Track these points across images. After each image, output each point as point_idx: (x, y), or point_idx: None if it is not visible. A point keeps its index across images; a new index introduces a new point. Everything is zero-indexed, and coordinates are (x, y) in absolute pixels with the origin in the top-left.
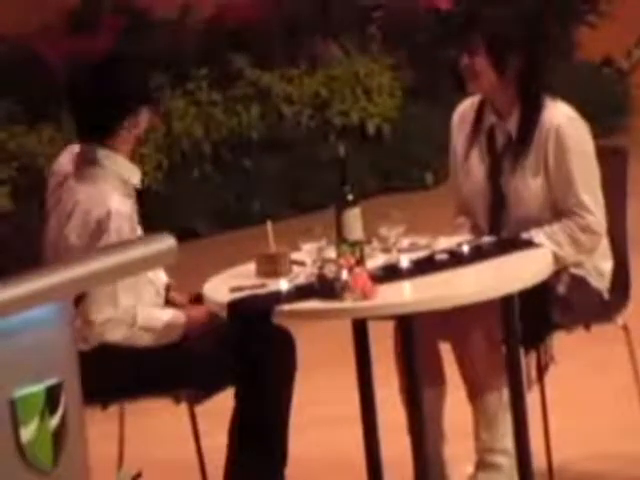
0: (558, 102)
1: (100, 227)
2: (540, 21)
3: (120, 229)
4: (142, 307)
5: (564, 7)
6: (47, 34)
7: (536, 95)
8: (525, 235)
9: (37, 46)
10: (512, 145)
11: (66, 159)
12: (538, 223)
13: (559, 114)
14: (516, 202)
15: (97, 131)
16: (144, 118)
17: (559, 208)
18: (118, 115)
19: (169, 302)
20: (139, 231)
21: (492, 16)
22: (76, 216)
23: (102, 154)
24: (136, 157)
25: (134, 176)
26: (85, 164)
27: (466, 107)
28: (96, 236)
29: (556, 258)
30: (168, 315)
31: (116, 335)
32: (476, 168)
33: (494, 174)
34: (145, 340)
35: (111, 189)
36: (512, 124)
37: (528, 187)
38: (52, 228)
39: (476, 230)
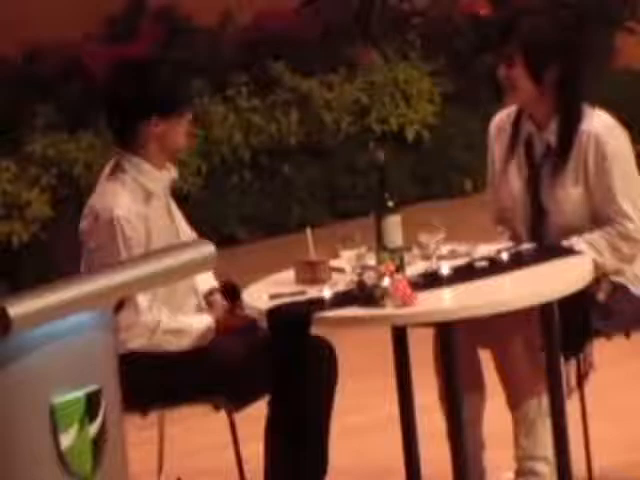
0: (597, 110)
1: (106, 231)
2: (577, 30)
3: (125, 234)
4: (167, 311)
5: (603, 13)
6: (87, 42)
7: (575, 104)
8: (565, 243)
9: (77, 54)
10: (551, 155)
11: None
12: (578, 231)
13: (598, 123)
14: (555, 211)
15: (122, 135)
16: (171, 125)
17: (599, 216)
18: (137, 120)
19: (209, 304)
20: (169, 235)
21: (529, 25)
22: (87, 219)
23: (126, 159)
24: (173, 164)
25: (155, 183)
26: (110, 169)
27: (503, 117)
28: (104, 239)
29: (596, 265)
30: (196, 320)
31: (139, 341)
32: (515, 178)
33: (533, 184)
34: (173, 344)
35: (123, 194)
36: (551, 134)
37: (568, 196)
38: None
39: (516, 239)
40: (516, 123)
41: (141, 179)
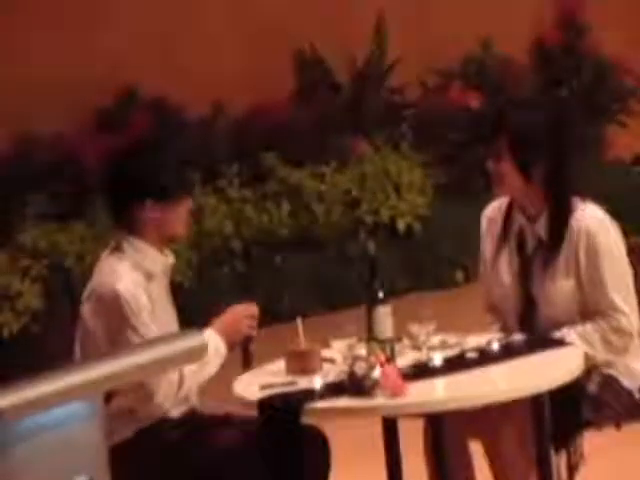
0: (587, 203)
1: (111, 310)
2: (566, 124)
3: (132, 307)
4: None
5: (595, 106)
6: (79, 133)
7: (564, 198)
8: (557, 334)
9: (69, 144)
10: (542, 248)
11: None
12: (568, 323)
13: (589, 216)
14: (546, 303)
15: (120, 217)
16: (167, 211)
17: (591, 309)
18: (133, 202)
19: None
20: (166, 318)
21: (517, 120)
22: (90, 299)
23: (125, 240)
24: (168, 249)
25: (154, 264)
26: (110, 249)
27: (494, 208)
28: (109, 318)
29: (587, 357)
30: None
31: (174, 399)
32: (505, 270)
33: (524, 276)
34: (205, 376)
35: (123, 273)
36: (541, 227)
37: (559, 289)
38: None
39: (506, 330)
40: (507, 215)
41: (141, 260)
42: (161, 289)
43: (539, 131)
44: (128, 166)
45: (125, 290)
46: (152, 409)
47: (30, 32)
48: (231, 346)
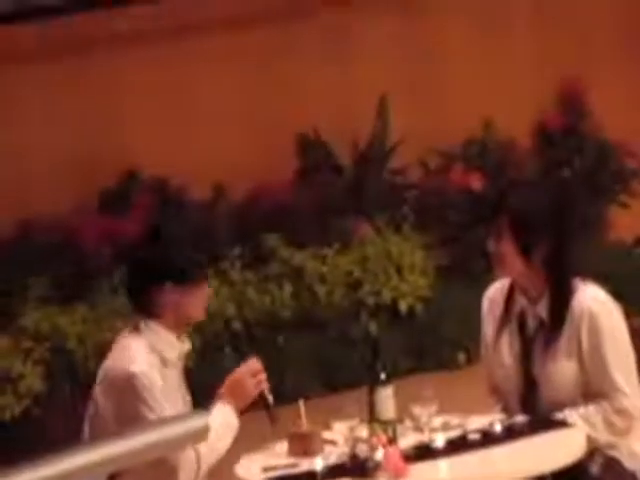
0: (589, 285)
1: (124, 391)
2: (567, 205)
3: (147, 389)
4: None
5: (596, 187)
6: (80, 214)
7: (566, 279)
8: (559, 415)
9: (70, 226)
10: (544, 329)
11: None
12: (570, 404)
13: (590, 298)
14: (547, 385)
15: (139, 299)
16: (185, 294)
17: (593, 390)
18: (152, 284)
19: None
20: (180, 406)
21: (518, 202)
22: (103, 380)
23: (144, 323)
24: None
25: (170, 350)
26: (128, 331)
27: (496, 290)
28: (121, 399)
29: (590, 439)
30: (217, 420)
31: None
32: (507, 352)
33: (525, 357)
34: (221, 450)
35: (138, 354)
36: (542, 308)
37: (560, 370)
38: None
39: (508, 411)
40: (509, 297)
41: (157, 345)
42: (176, 374)
43: (540, 212)
44: (146, 250)
45: (139, 371)
46: None
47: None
48: (243, 409)
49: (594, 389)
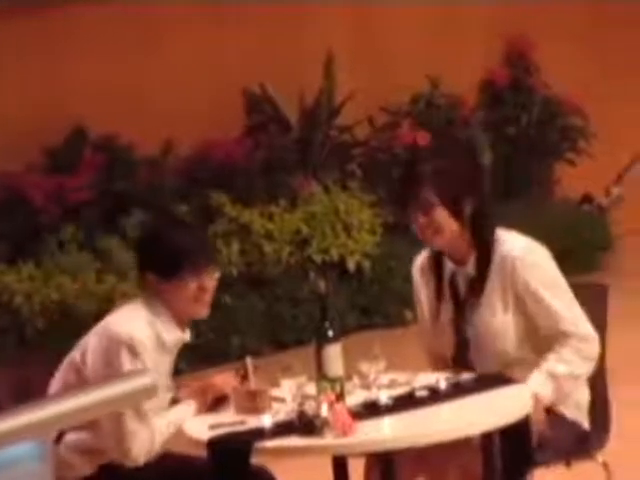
0: (512, 233)
1: (111, 350)
2: (476, 158)
3: (129, 359)
4: (155, 419)
5: (544, 145)
6: (28, 173)
7: (490, 231)
8: (535, 373)
9: (19, 184)
10: (474, 286)
11: None
12: (513, 359)
13: (514, 246)
14: (485, 340)
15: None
16: (171, 288)
17: (545, 335)
18: (142, 270)
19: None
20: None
21: (436, 169)
22: (98, 336)
23: (151, 300)
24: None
25: (167, 333)
26: (142, 292)
27: (424, 260)
28: (107, 358)
29: (573, 376)
30: (178, 412)
31: (147, 455)
32: (446, 317)
33: (459, 320)
34: (177, 426)
35: (141, 324)
36: (471, 265)
37: (497, 323)
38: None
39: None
40: (437, 264)
41: (156, 324)
42: (168, 361)
43: (457, 171)
44: (140, 240)
45: (137, 337)
46: (127, 464)
47: None
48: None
49: (547, 333)
